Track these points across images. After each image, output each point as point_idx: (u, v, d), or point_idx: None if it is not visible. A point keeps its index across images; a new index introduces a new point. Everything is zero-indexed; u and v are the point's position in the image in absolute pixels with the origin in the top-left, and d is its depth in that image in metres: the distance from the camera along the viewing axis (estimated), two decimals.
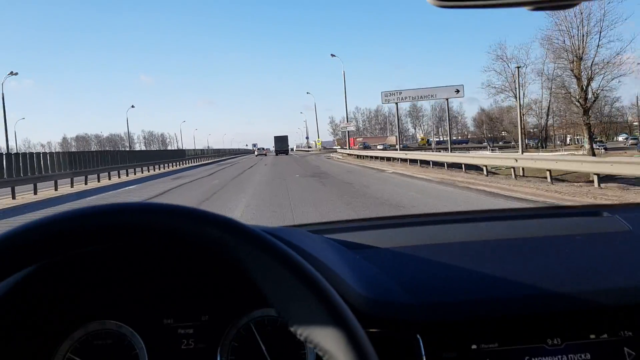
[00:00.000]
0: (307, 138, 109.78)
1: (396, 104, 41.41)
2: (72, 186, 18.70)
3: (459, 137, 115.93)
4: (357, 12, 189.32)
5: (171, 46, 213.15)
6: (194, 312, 0.80)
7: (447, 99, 39.57)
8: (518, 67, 38.80)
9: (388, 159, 28.53)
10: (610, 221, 1.05)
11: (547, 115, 59.19)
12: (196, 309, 0.80)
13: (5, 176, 15.16)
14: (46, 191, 16.93)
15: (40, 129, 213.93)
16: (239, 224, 0.53)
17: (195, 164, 45.47)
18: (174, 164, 40.09)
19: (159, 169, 33.99)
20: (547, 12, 0.41)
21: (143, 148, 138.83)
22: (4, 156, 15.71)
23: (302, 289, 0.50)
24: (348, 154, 43.25)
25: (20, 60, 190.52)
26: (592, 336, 0.74)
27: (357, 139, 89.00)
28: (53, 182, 17.68)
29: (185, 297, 0.80)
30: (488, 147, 67.09)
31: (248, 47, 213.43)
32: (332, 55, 51.54)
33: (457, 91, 38.33)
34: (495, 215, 1.26)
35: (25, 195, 15.72)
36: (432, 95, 40.36)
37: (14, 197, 15.08)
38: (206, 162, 50.95)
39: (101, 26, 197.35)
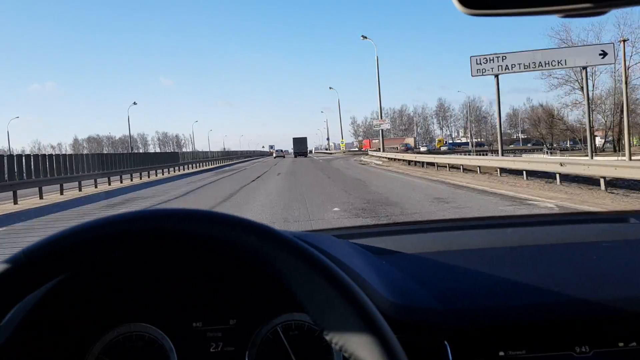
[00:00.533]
0: (327, 139, 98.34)
1: (496, 76, 22.16)
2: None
3: (480, 139, 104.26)
4: (377, 13, 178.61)
5: (188, 48, 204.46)
6: (222, 315, 0.80)
7: (584, 68, 22.46)
8: (624, 41, 28.34)
9: (468, 170, 17.53)
10: (638, 228, 1.03)
11: (624, 111, 47.80)
12: (225, 312, 0.81)
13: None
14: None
15: (52, 130, 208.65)
16: (276, 232, 0.53)
17: (191, 170, 35.33)
18: (163, 171, 30.32)
19: (133, 180, 24.37)
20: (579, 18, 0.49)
21: (157, 150, 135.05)
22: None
23: (338, 299, 0.50)
24: (389, 159, 31.93)
25: (43, 63, 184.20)
26: (621, 344, 0.72)
27: (374, 141, 79.02)
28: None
29: (214, 301, 0.81)
30: (545, 151, 55.74)
31: (266, 48, 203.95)
32: (363, 37, 40.35)
33: (604, 54, 21.05)
34: (520, 221, 1.26)
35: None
36: (559, 62, 21.61)
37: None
38: (206, 167, 40.07)
39: (120, 29, 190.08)
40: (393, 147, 70.38)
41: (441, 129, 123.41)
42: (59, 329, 0.74)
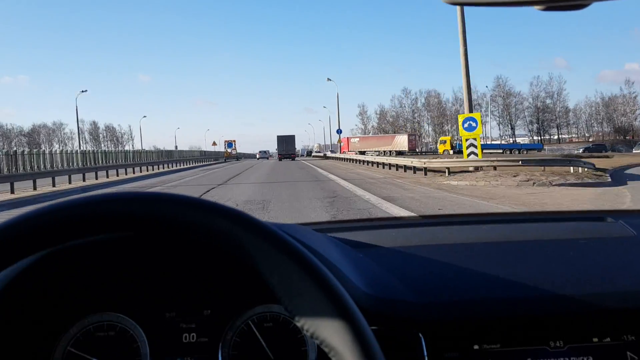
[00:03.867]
0: (339, 132, 53.17)
1: None
2: None
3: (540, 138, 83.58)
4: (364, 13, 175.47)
5: (161, 46, 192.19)
6: (196, 306, 0.80)
7: None
8: None
9: None
10: (615, 226, 1.05)
11: None
12: (199, 303, 0.80)
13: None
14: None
15: None
16: (250, 218, 0.52)
17: None
18: None
19: None
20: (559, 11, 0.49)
21: (90, 148, 71.74)
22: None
23: (311, 285, 0.50)
24: None
25: (17, 57, 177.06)
26: (595, 339, 0.74)
27: (352, 140, 69.50)
28: None
29: (188, 292, 0.80)
30: None
31: (249, 44, 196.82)
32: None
33: None
34: (499, 218, 1.29)
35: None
36: None
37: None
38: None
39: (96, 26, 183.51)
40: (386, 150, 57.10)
41: (497, 124, 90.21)
42: (26, 319, 0.73)
